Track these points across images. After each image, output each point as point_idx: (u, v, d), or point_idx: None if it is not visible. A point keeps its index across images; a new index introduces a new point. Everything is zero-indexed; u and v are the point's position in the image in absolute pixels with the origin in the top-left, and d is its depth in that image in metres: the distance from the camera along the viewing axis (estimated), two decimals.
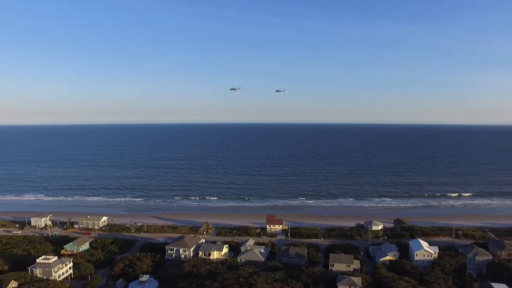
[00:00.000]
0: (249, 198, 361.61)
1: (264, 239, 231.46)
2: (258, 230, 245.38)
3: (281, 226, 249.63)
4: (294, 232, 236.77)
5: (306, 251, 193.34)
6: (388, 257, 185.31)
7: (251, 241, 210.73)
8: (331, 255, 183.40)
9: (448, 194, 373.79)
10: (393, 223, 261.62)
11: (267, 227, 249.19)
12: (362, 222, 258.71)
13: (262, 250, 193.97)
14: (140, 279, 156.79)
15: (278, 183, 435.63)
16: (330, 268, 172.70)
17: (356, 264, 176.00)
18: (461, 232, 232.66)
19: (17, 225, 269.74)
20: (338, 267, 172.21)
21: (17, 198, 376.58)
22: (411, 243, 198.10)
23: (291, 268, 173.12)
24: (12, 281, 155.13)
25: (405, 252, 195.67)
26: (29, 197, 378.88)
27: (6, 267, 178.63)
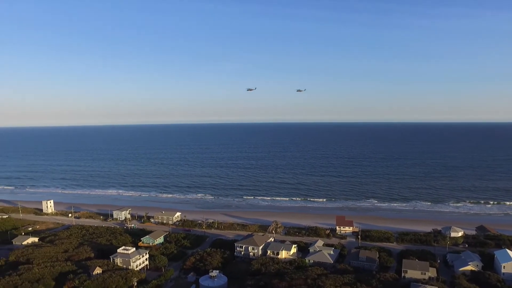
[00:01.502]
0: (318, 199, 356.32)
1: (334, 240, 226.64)
2: (328, 231, 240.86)
3: (351, 228, 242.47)
4: (365, 234, 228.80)
5: (377, 255, 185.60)
6: (469, 267, 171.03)
7: (320, 242, 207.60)
8: (404, 260, 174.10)
9: None
10: (476, 230, 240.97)
11: (337, 228, 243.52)
12: (439, 228, 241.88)
13: (331, 252, 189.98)
14: (210, 274, 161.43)
15: (348, 184, 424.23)
16: (403, 274, 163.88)
17: (432, 272, 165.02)
18: None
19: (101, 216, 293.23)
20: (411, 274, 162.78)
21: (101, 192, 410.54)
22: (497, 253, 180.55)
23: (361, 272, 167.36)
24: (97, 267, 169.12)
25: (489, 263, 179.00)
26: (111, 191, 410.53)
27: (92, 254, 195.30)
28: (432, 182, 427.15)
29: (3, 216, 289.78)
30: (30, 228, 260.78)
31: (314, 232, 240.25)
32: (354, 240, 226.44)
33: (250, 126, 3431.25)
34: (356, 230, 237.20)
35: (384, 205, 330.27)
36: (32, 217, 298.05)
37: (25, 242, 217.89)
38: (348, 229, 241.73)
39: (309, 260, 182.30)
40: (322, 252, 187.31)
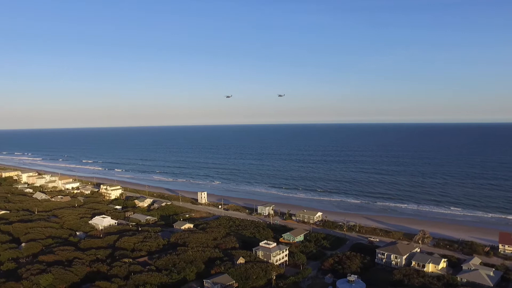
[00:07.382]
0: (474, 211, 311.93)
1: (494, 260, 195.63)
2: (487, 249, 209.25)
3: None
4: None
5: None
6: None
7: (476, 260, 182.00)
8: None
9: None
10: None
11: (500, 246, 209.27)
12: None
13: (491, 273, 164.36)
14: (348, 278, 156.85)
15: None
16: None
17: None
18: None
19: (247, 210, 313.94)
20: None
21: (246, 187, 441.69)
22: None
23: None
24: (241, 257, 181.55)
25: None
26: (255, 188, 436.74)
27: (237, 245, 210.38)
28: None
29: (168, 203, 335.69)
30: (187, 215, 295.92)
31: (469, 247, 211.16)
32: None
33: (405, 127, 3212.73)
34: None
35: None
36: (189, 205, 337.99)
37: (183, 227, 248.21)
38: None
39: (461, 279, 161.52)
40: (479, 271, 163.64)
